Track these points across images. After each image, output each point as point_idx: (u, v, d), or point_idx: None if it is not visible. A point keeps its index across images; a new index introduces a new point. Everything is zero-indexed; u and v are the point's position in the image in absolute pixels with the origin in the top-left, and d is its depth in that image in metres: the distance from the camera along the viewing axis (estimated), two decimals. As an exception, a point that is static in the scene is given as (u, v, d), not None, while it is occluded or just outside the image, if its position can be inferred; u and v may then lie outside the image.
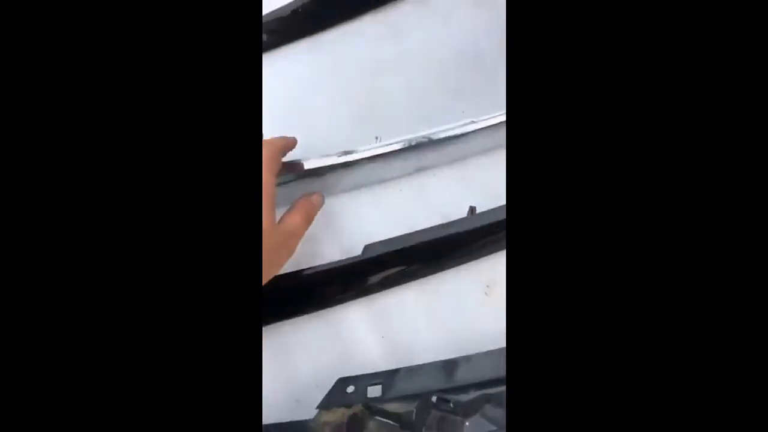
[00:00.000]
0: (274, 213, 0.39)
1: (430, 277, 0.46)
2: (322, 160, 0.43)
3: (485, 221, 0.45)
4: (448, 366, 0.41)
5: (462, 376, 0.40)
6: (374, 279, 0.45)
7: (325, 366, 0.45)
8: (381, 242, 0.45)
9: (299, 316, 0.46)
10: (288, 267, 0.43)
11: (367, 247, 0.45)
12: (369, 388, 0.40)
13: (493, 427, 0.38)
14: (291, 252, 0.42)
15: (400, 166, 0.46)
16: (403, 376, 0.41)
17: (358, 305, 0.46)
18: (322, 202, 0.45)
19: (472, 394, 0.39)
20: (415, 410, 0.38)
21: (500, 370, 0.39)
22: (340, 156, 0.44)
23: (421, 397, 0.39)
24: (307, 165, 0.43)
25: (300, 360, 0.46)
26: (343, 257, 0.46)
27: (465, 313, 0.45)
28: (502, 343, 0.43)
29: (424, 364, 0.42)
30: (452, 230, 0.45)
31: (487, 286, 0.45)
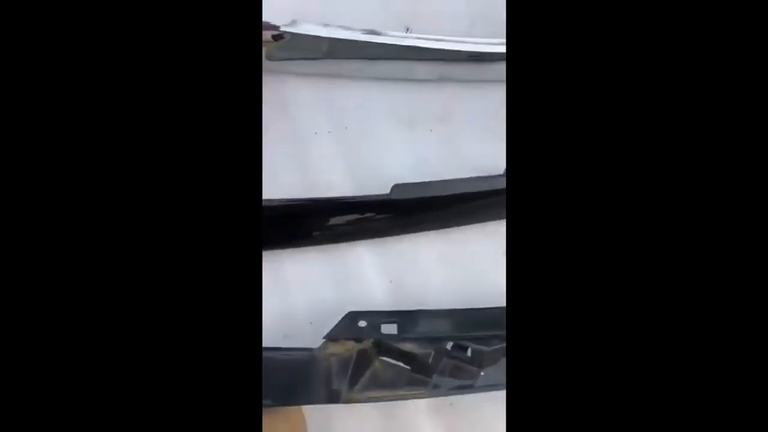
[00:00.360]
0: None
1: (451, 229, 0.43)
2: (345, 33, 0.40)
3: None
4: (468, 315, 0.38)
5: (481, 326, 0.38)
6: (395, 222, 0.42)
7: (322, 302, 0.41)
8: (412, 184, 0.41)
9: (300, 247, 0.42)
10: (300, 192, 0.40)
11: (395, 187, 0.41)
12: (383, 326, 0.37)
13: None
14: None
15: (426, 70, 0.44)
16: (419, 318, 0.38)
17: (370, 245, 0.43)
18: None
19: (492, 346, 0.36)
20: (433, 353, 0.35)
21: None
22: (364, 33, 0.40)
23: (439, 341, 0.36)
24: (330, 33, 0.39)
25: (295, 293, 0.41)
26: (358, 193, 0.42)
27: (480, 272, 0.43)
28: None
29: (441, 309, 0.39)
30: (483, 186, 0.42)
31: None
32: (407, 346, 0.36)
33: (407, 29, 0.44)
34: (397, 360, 0.36)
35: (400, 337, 0.36)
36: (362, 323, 0.36)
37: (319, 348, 0.35)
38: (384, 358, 0.36)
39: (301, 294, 0.41)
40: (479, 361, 0.36)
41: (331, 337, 0.36)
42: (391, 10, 0.46)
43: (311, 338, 0.36)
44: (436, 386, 0.35)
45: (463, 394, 0.37)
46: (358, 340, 0.35)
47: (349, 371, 0.34)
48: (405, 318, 0.37)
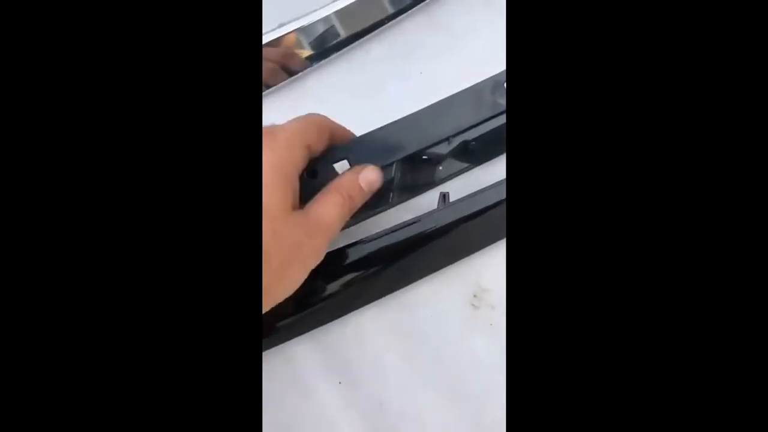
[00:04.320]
0: (293, 194, 0.28)
1: (397, 292, 0.35)
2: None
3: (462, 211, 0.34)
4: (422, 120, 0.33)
5: (438, 130, 0.33)
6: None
7: None
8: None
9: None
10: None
11: None
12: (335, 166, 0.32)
13: (465, 164, 0.36)
14: (317, 254, 0.29)
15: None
16: (372, 142, 0.33)
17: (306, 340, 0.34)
18: (377, 184, 0.32)
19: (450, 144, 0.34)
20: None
21: (480, 113, 0.33)
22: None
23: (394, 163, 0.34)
24: None
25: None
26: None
27: (450, 335, 0.34)
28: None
29: (392, 123, 0.33)
30: (421, 228, 0.34)
31: (475, 296, 0.35)
32: None
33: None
34: None
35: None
36: None
37: None
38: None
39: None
40: (437, 159, 0.35)
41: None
42: None
43: None
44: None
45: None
46: None
47: None
48: (357, 148, 0.33)
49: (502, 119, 0.34)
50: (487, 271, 0.35)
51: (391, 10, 0.40)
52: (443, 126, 0.33)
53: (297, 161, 0.29)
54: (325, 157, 0.32)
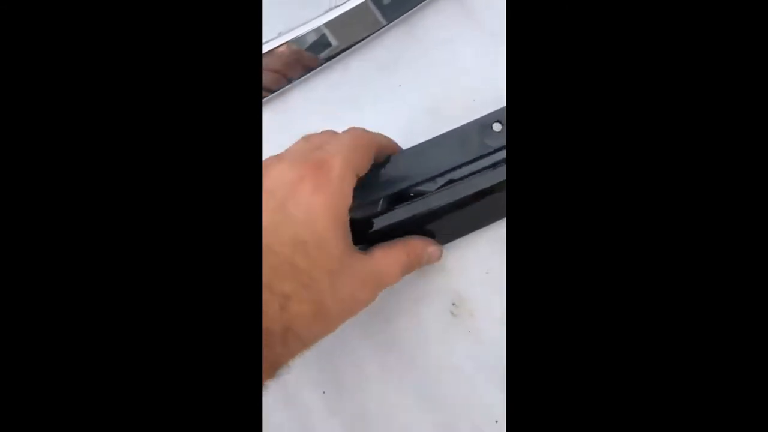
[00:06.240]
0: (348, 237, 0.27)
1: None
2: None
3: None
4: None
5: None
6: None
7: None
8: None
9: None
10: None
11: None
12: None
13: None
14: (364, 304, 0.28)
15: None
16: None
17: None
18: (434, 261, 0.33)
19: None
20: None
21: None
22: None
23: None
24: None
25: None
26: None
27: (430, 344, 0.35)
28: (483, 386, 0.33)
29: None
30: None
31: (453, 304, 0.35)
32: None
33: None
34: None
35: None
36: None
37: None
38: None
39: None
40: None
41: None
42: None
43: None
44: None
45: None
46: None
47: None
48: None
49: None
50: (466, 279, 0.35)
51: (383, 22, 0.41)
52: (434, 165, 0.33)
53: (349, 199, 0.27)
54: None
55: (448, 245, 0.35)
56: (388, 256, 0.29)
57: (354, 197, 0.28)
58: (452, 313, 0.35)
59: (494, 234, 0.36)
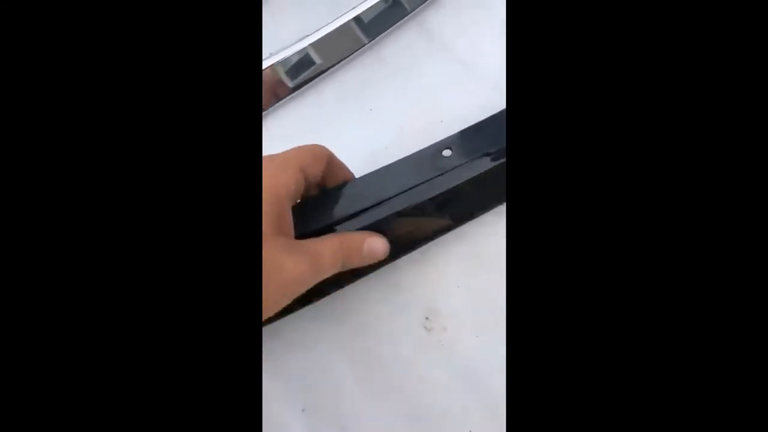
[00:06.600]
0: (280, 216, 0.28)
1: (353, 315, 0.36)
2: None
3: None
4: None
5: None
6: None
7: None
8: None
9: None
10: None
11: None
12: None
13: None
14: (302, 282, 0.29)
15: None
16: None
17: (268, 368, 0.35)
18: (379, 257, 0.33)
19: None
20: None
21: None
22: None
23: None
24: None
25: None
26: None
27: (404, 358, 0.36)
28: (459, 398, 0.34)
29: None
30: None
31: (427, 318, 0.36)
32: None
33: None
34: None
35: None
36: None
37: None
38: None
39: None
40: None
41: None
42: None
43: None
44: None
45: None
46: None
47: None
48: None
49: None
50: (439, 292, 0.37)
51: (365, 40, 0.43)
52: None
53: (290, 183, 0.29)
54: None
55: (418, 261, 0.36)
56: (320, 241, 0.30)
57: (301, 217, 0.30)
58: (425, 327, 0.36)
59: (465, 249, 0.37)
